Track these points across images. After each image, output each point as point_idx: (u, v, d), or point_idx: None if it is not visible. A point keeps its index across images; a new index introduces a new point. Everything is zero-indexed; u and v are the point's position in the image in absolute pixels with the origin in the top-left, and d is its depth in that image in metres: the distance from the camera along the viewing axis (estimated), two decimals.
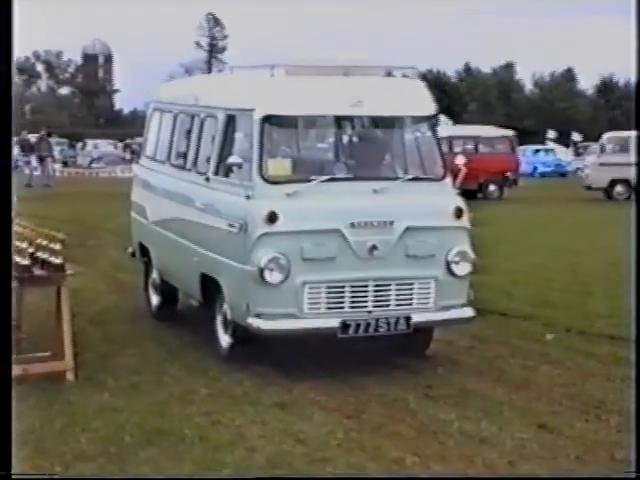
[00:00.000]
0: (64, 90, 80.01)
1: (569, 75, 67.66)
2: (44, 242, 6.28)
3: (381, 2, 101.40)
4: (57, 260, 6.17)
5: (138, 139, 35.11)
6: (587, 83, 68.72)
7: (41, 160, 27.23)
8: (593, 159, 24.95)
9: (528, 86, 69.16)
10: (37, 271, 6.18)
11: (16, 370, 6.04)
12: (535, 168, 38.13)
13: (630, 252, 5.86)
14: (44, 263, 6.21)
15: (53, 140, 33.54)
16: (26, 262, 6.15)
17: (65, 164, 40.11)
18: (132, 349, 7.05)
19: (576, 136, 44.39)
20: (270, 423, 5.41)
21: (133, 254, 8.80)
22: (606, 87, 66.40)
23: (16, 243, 6.31)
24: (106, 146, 46.05)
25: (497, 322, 8.15)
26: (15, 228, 6.75)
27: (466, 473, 4.76)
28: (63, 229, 7.16)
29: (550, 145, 43.40)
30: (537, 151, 40.75)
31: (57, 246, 6.21)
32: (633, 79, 69.16)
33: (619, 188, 23.49)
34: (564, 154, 42.56)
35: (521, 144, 31.58)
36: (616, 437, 5.20)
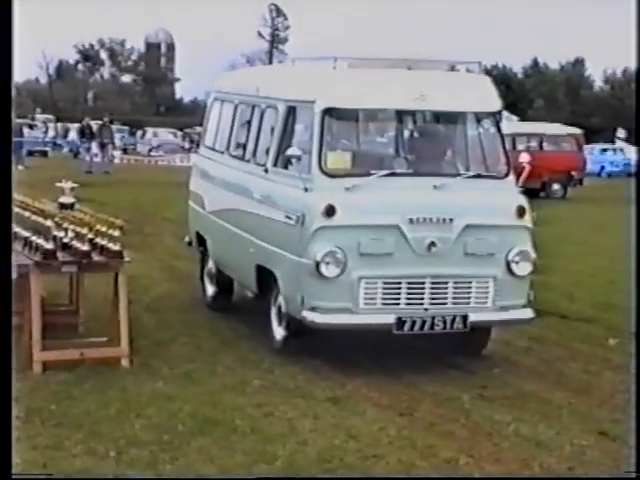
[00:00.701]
0: (126, 78, 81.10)
1: None
2: (103, 228, 6.33)
3: None
4: (115, 246, 6.22)
5: (198, 128, 35.45)
6: None
7: (102, 147, 27.61)
8: None
9: (598, 83, 67.63)
10: (96, 257, 6.24)
11: (72, 354, 6.14)
12: (602, 168, 37.01)
13: (630, 251, 5.67)
14: (103, 249, 6.26)
15: (114, 127, 34.00)
16: (85, 248, 6.20)
17: (125, 151, 40.65)
18: (186, 338, 7.08)
19: None
20: (322, 417, 5.38)
21: (190, 243, 8.84)
22: None
23: (76, 229, 6.38)
24: (166, 134, 46.51)
25: (557, 324, 7.99)
26: (75, 214, 6.84)
27: (521, 474, 4.65)
28: (122, 216, 7.21)
29: (619, 144, 42.24)
30: (605, 150, 39.64)
31: (116, 233, 6.26)
32: None
33: None
34: (634, 153, 41.34)
35: (588, 142, 30.91)
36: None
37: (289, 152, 6.38)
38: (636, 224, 5.64)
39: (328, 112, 6.38)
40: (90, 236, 6.30)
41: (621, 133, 43.68)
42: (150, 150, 42.10)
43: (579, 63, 67.19)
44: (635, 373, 5.30)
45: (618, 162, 38.59)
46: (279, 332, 6.70)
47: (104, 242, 6.26)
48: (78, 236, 6.30)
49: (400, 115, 7.00)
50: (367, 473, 4.66)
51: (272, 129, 6.96)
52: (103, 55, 79.57)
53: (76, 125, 35.88)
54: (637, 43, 5.00)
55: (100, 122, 29.17)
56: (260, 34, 76.14)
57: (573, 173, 23.57)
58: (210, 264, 8.26)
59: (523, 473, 4.71)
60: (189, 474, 4.57)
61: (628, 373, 6.52)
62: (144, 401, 5.54)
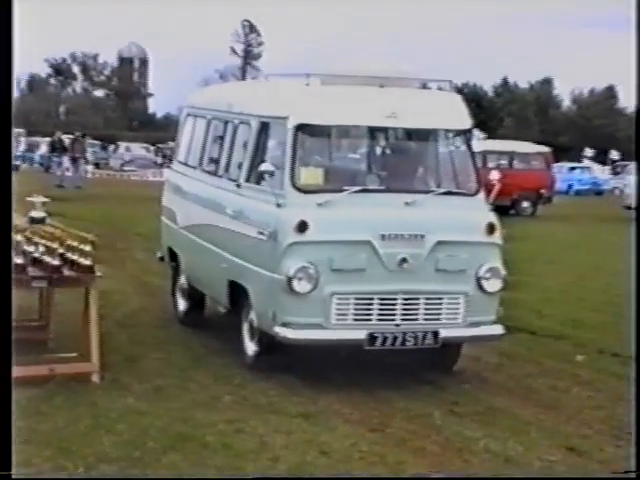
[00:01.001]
0: (99, 92, 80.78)
1: (609, 93, 67.23)
2: (74, 243, 6.29)
3: (420, 14, 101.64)
4: (87, 261, 6.19)
5: (170, 143, 35.36)
6: (627, 101, 68.25)
7: (74, 161, 27.45)
8: (633, 178, 24.60)
9: (566, 102, 68.75)
10: (67, 272, 6.20)
11: (42, 370, 6.09)
12: (570, 186, 37.63)
13: (630, 269, 5.75)
14: (74, 264, 6.23)
15: (86, 142, 33.81)
16: (56, 262, 6.17)
17: (97, 166, 40.45)
18: (158, 353, 7.05)
19: (614, 154, 44.01)
20: (294, 433, 5.37)
21: (162, 258, 8.82)
22: None
23: (47, 243, 6.34)
24: (138, 149, 46.35)
25: (527, 340, 8.05)
26: (46, 228, 6.80)
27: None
28: (93, 231, 7.18)
29: (587, 163, 42.97)
30: (573, 168, 40.27)
31: (87, 247, 6.23)
32: None
33: None
34: (601, 172, 42.08)
35: (557, 161, 31.31)
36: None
37: (262, 168, 6.39)
38: (636, 244, 5.67)
39: (301, 128, 6.42)
40: (61, 251, 6.26)
41: (588, 152, 44.44)
42: (122, 165, 41.92)
43: (547, 83, 68.18)
44: (635, 375, 5.34)
45: (586, 180, 39.30)
46: (251, 348, 6.69)
47: (75, 257, 6.22)
48: (49, 251, 6.26)
49: (372, 132, 7.04)
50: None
51: (245, 145, 6.98)
52: (75, 69, 79.25)
53: (47, 139, 35.65)
54: (637, 60, 5.02)
55: (72, 136, 29.01)
56: (233, 50, 76.34)
57: (542, 191, 23.83)
58: (182, 279, 8.24)
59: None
60: (188, 474, 4.51)
61: (596, 390, 6.62)
62: (114, 417, 5.49)
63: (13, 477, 3.91)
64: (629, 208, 23.63)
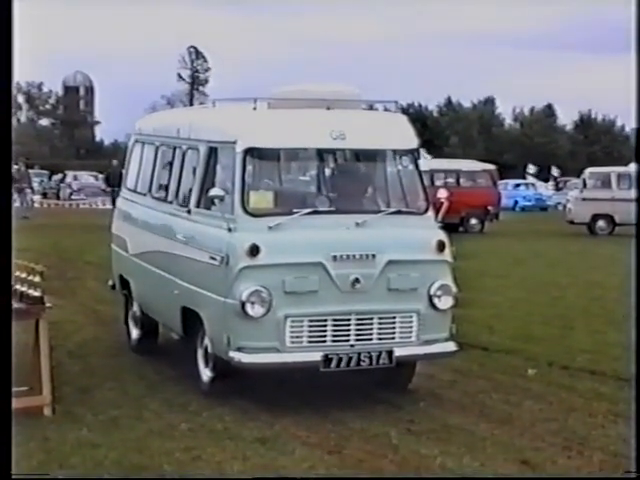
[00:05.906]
0: (44, 121, 79.91)
1: (549, 111, 68.67)
2: (23, 275, 6.21)
3: (364, 37, 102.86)
4: (36, 293, 6.11)
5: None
6: (566, 118, 69.84)
7: (19, 191, 27.05)
8: (576, 194, 25.13)
9: (508, 121, 70.07)
10: (16, 304, 6.10)
11: None
12: (516, 202, 38.40)
13: (631, 287, 5.87)
14: (22, 295, 6.14)
15: (33, 171, 33.35)
16: None
17: (45, 196, 39.92)
18: (111, 383, 6.97)
19: (555, 171, 45.03)
20: (251, 459, 5.34)
21: (113, 286, 8.74)
22: (584, 123, 67.39)
23: None
24: (86, 178, 45.83)
25: (479, 356, 8.12)
26: None
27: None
28: (42, 261, 7.10)
29: (530, 179, 43.84)
30: (518, 185, 41.08)
31: (36, 278, 6.15)
32: (611, 116, 69.17)
33: (601, 223, 23.67)
34: (544, 188, 42.99)
35: (501, 178, 31.82)
36: (599, 474, 5.17)
37: (212, 193, 6.38)
38: (636, 265, 5.76)
39: (249, 152, 6.43)
40: None
41: (531, 169, 45.41)
42: (71, 194, 41.42)
43: (490, 102, 69.35)
44: (635, 372, 5.42)
45: (530, 197, 40.13)
46: (206, 373, 6.65)
47: (24, 289, 6.14)
48: None
49: (321, 154, 7.09)
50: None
51: (194, 170, 6.97)
52: (20, 99, 78.28)
53: None
54: (637, 80, 5.11)
55: (16, 167, 28.58)
56: (180, 76, 76.22)
57: (489, 208, 24.18)
58: (134, 307, 8.17)
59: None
60: (190, 474, 4.40)
61: (547, 403, 6.70)
62: (68, 450, 5.41)
63: (13, 477, 3.86)
64: (572, 223, 24.17)
